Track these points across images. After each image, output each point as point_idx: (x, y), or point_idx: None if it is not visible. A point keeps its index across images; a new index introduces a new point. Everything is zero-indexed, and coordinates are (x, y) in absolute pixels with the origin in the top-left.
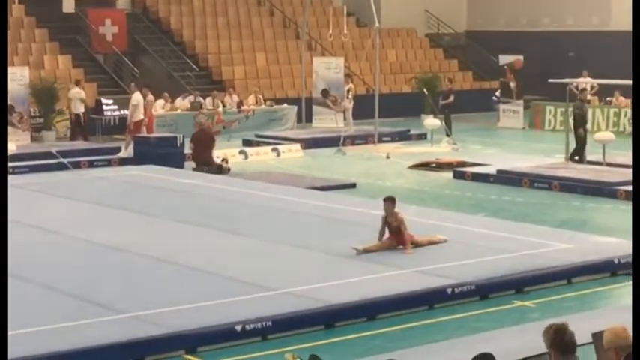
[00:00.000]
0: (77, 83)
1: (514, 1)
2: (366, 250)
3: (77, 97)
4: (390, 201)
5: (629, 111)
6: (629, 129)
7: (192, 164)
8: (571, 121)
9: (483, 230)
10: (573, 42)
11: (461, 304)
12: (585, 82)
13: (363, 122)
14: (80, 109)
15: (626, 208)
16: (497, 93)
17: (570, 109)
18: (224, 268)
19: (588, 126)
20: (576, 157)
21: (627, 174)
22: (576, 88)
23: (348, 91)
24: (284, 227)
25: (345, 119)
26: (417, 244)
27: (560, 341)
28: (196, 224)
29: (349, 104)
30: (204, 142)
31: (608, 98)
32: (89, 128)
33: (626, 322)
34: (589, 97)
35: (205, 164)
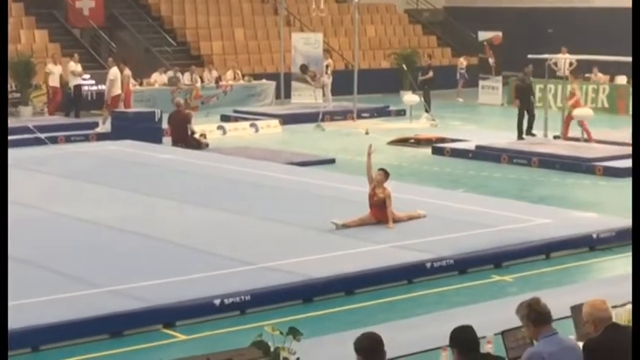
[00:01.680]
0: (71, 57)
1: None
2: (345, 226)
3: (75, 71)
4: (384, 172)
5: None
6: None
7: (170, 140)
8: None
9: (462, 205)
10: (552, 18)
11: (440, 279)
12: (564, 57)
13: (341, 98)
14: (74, 82)
15: (604, 184)
16: (464, 68)
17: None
18: (202, 243)
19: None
20: (533, 132)
21: (605, 150)
22: (555, 64)
23: (327, 66)
24: (262, 202)
25: (323, 95)
26: (396, 220)
27: (535, 313)
28: (174, 199)
29: (328, 80)
30: (180, 121)
31: (586, 75)
32: (66, 103)
33: (604, 296)
34: (567, 73)
35: (182, 143)
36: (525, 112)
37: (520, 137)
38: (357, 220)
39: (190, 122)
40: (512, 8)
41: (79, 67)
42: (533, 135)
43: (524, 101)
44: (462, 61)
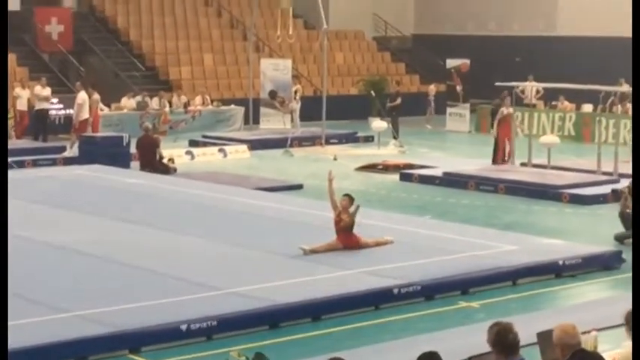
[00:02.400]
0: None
1: (461, 6)
2: (313, 251)
3: (40, 95)
4: (349, 197)
5: (629, 122)
6: (629, 140)
7: (138, 165)
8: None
9: (429, 231)
10: (519, 47)
11: (407, 305)
12: (531, 85)
13: (310, 124)
14: (39, 106)
15: (571, 211)
16: (432, 95)
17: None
18: (169, 268)
19: (534, 130)
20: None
21: (572, 177)
22: (522, 92)
23: (296, 92)
24: (230, 227)
25: (292, 121)
26: (364, 246)
27: (503, 342)
28: (142, 224)
29: (296, 105)
30: (148, 146)
31: (553, 102)
32: (34, 127)
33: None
34: (534, 101)
35: (150, 167)
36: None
37: (495, 162)
38: (324, 245)
39: (159, 147)
40: (480, 36)
41: (45, 91)
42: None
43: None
44: (432, 89)
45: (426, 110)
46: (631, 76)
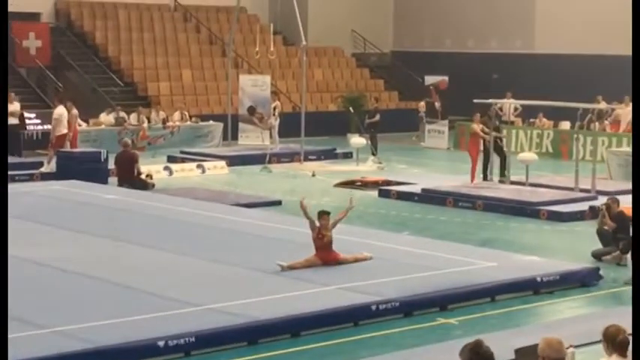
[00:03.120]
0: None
1: (439, 23)
2: (291, 267)
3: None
4: (327, 215)
5: (606, 139)
6: (606, 157)
7: (116, 180)
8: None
9: (407, 248)
10: (497, 64)
11: (385, 321)
12: (509, 102)
13: (289, 140)
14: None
15: (548, 228)
16: (423, 111)
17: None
18: (146, 284)
19: (513, 147)
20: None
21: (549, 194)
22: (500, 109)
23: (275, 108)
24: (208, 243)
25: (271, 137)
26: (342, 262)
27: (478, 357)
28: (119, 239)
29: (275, 122)
30: (126, 162)
31: (531, 120)
32: (11, 142)
33: None
34: (512, 118)
35: (128, 183)
36: (495, 154)
37: (485, 179)
38: (302, 261)
39: (137, 162)
40: (458, 53)
41: (12, 106)
42: (504, 178)
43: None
44: (422, 105)
45: (418, 126)
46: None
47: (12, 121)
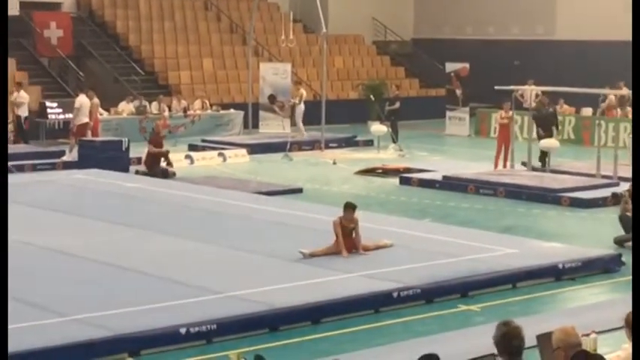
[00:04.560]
0: (20, 86)
1: (460, 10)
2: (313, 255)
3: (24, 101)
4: (352, 209)
5: (628, 125)
6: (628, 143)
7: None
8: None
9: (429, 235)
10: (518, 50)
11: (406, 308)
12: (530, 89)
13: (310, 128)
14: (24, 112)
15: (570, 215)
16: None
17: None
18: (168, 271)
19: (534, 134)
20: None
21: (571, 181)
22: (521, 95)
23: (300, 96)
24: (229, 231)
25: (295, 124)
26: (365, 249)
27: (506, 345)
28: (141, 227)
29: (300, 109)
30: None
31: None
32: (33, 131)
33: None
34: (534, 105)
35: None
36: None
37: (543, 167)
38: (324, 249)
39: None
40: (479, 40)
41: (20, 98)
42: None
43: (547, 130)
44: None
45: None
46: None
47: (20, 112)
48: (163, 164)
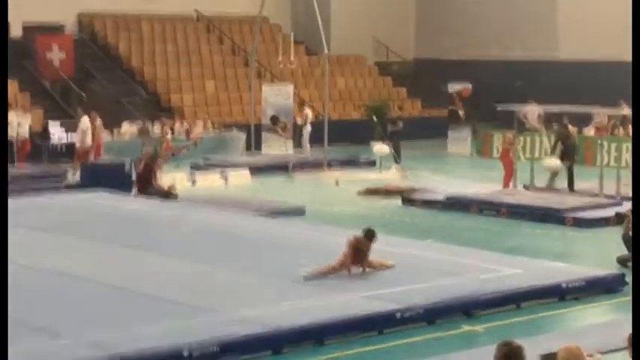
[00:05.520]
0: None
1: (462, 31)
2: (316, 275)
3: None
4: (373, 238)
5: (630, 145)
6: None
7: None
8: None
9: (432, 255)
10: (521, 70)
11: (410, 329)
12: (532, 109)
13: (312, 148)
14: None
15: (573, 234)
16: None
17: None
18: (171, 292)
19: (537, 153)
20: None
21: (574, 200)
22: (525, 116)
23: (306, 116)
24: (232, 252)
25: (300, 145)
26: (369, 266)
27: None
28: (144, 249)
29: (306, 130)
30: (145, 171)
31: (554, 124)
32: (36, 153)
33: None
34: (536, 125)
35: (146, 193)
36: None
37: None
38: (327, 268)
39: (155, 171)
40: (481, 61)
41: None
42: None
43: (570, 158)
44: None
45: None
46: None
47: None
48: (165, 186)
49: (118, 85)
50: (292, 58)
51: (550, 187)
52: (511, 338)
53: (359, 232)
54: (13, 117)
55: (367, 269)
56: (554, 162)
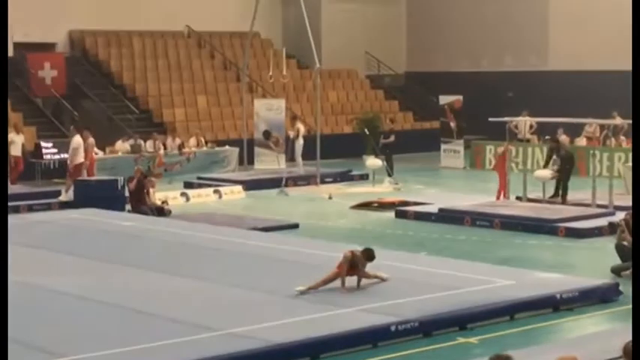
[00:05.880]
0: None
1: (453, 43)
2: (310, 289)
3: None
4: (372, 259)
5: (622, 155)
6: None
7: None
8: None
9: (425, 268)
10: (512, 82)
11: (405, 342)
12: (524, 120)
13: (305, 163)
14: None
15: (567, 245)
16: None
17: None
18: (165, 310)
19: (529, 164)
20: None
21: (568, 211)
22: (515, 127)
23: (298, 130)
24: (226, 268)
25: (292, 160)
26: (364, 276)
27: None
28: (137, 266)
29: (299, 144)
30: (137, 189)
31: (547, 137)
32: (28, 172)
33: None
34: (528, 136)
35: (139, 211)
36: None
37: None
38: (320, 281)
39: (148, 189)
40: (472, 73)
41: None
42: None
43: (566, 172)
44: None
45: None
46: (624, 109)
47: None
48: (158, 202)
49: (110, 102)
50: (284, 72)
51: (550, 198)
52: (506, 349)
53: (357, 247)
54: (13, 136)
55: (362, 279)
56: (545, 172)
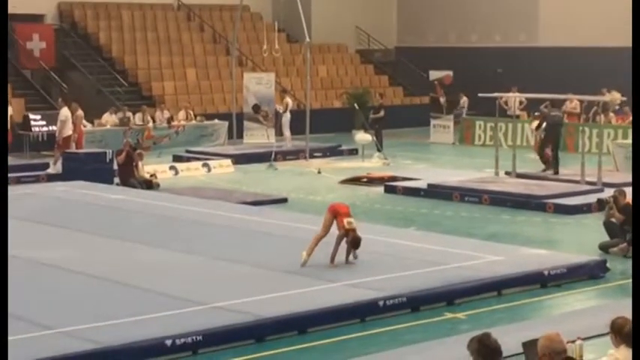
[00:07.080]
0: None
1: (443, 18)
2: (309, 254)
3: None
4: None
5: (612, 132)
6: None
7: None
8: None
9: (414, 243)
10: (502, 58)
11: (393, 317)
12: (514, 96)
13: (294, 137)
14: None
15: (555, 221)
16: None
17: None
18: (153, 283)
19: (518, 141)
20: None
21: (556, 187)
22: (505, 103)
23: (286, 105)
24: (214, 242)
25: (281, 134)
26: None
27: (486, 348)
28: (125, 239)
29: (286, 118)
30: (126, 162)
31: (536, 113)
32: (17, 144)
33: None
34: (518, 112)
35: (128, 184)
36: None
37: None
38: (314, 240)
39: (137, 162)
40: (462, 48)
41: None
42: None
43: (555, 140)
44: (465, 100)
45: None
46: (612, 86)
47: None
48: (147, 175)
49: (99, 74)
50: (277, 46)
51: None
52: (493, 325)
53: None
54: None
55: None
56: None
